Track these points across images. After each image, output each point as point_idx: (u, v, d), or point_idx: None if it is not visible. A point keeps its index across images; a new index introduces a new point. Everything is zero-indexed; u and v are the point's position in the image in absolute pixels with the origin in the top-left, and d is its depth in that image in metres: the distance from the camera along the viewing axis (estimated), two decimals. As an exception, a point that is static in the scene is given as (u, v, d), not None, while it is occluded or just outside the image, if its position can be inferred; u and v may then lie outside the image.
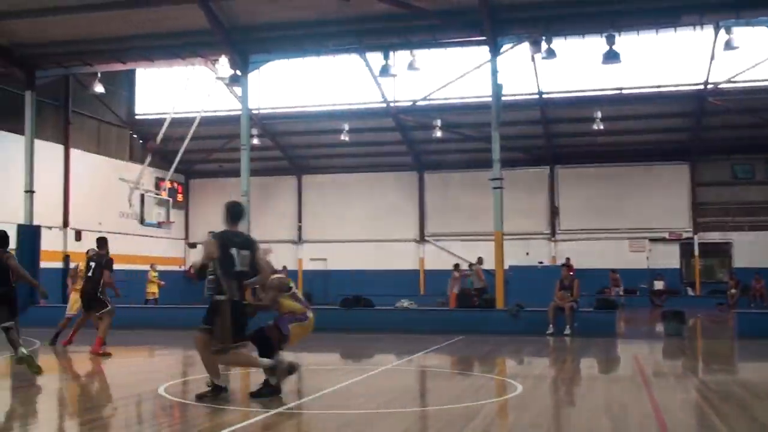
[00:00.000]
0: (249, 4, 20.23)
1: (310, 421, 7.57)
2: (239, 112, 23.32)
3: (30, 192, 22.77)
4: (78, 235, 30.46)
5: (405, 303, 21.40)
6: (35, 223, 22.62)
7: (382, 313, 20.20)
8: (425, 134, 32.62)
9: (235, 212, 8.23)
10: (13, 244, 21.97)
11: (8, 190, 25.99)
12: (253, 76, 22.39)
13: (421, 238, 35.55)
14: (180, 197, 37.15)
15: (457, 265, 26.93)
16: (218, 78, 23.82)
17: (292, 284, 8.87)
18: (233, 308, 7.85)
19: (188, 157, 31.89)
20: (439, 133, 31.21)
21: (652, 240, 33.09)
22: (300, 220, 37.48)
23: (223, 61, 22.04)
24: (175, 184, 36.34)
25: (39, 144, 24.20)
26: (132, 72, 32.52)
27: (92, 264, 13.64)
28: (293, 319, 8.55)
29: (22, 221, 22.53)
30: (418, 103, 30.53)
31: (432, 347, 14.68)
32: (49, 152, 28.43)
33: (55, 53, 22.47)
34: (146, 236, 32.60)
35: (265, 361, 8.11)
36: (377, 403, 8.31)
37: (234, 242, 7.98)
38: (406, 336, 17.14)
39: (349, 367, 12.81)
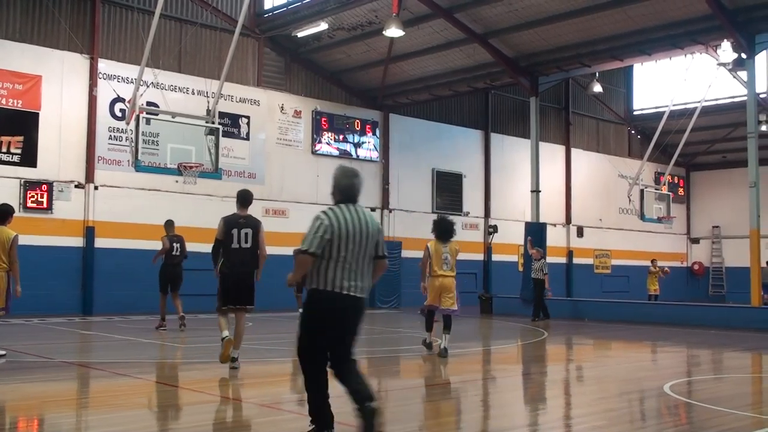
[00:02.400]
0: (755, -20, 18.70)
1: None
2: (744, 98, 21.74)
3: (536, 191, 24.19)
4: (580, 232, 31.64)
5: None
6: (541, 220, 24.01)
7: None
8: None
9: (241, 197, 9.43)
10: (520, 239, 23.89)
11: (516, 191, 28.32)
12: (758, 58, 20.64)
13: None
14: (681, 191, 36.05)
15: None
16: (719, 64, 22.47)
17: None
18: (223, 278, 9.30)
19: (688, 149, 30.77)
20: None
21: None
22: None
23: (726, 46, 20.73)
24: (676, 178, 35.39)
25: (543, 146, 25.62)
26: (629, 68, 32.56)
27: None
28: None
29: (529, 219, 24.16)
30: None
31: None
32: (551, 153, 30.18)
33: (556, 59, 23.48)
34: (646, 232, 32.38)
35: (222, 332, 9.33)
36: None
37: (238, 223, 9.25)
38: None
39: None
